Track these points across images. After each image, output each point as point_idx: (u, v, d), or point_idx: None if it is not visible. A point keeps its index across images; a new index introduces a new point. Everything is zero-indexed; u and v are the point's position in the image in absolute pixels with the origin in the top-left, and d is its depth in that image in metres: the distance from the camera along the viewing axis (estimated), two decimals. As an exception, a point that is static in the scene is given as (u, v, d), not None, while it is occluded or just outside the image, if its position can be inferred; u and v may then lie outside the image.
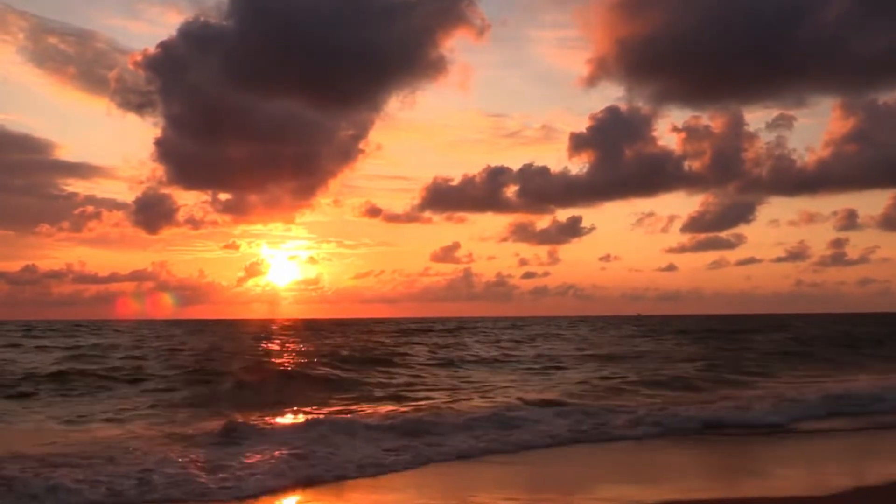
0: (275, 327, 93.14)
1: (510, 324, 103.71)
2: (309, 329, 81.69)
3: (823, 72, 75.53)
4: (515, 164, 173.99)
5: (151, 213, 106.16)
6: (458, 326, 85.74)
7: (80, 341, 47.13)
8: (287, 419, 15.66)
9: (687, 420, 15.87)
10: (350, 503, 9.93)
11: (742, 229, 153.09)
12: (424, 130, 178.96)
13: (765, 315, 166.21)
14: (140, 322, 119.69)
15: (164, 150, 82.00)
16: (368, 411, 16.50)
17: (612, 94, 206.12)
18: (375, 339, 52.43)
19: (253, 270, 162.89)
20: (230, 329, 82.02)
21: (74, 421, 15.70)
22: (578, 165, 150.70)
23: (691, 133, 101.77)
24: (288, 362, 29.66)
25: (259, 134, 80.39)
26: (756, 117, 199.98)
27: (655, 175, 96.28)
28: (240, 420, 14.08)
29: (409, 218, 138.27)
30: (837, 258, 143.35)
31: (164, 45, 74.87)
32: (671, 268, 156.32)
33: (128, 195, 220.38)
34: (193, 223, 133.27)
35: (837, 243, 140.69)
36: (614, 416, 15.90)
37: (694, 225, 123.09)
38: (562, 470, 12.03)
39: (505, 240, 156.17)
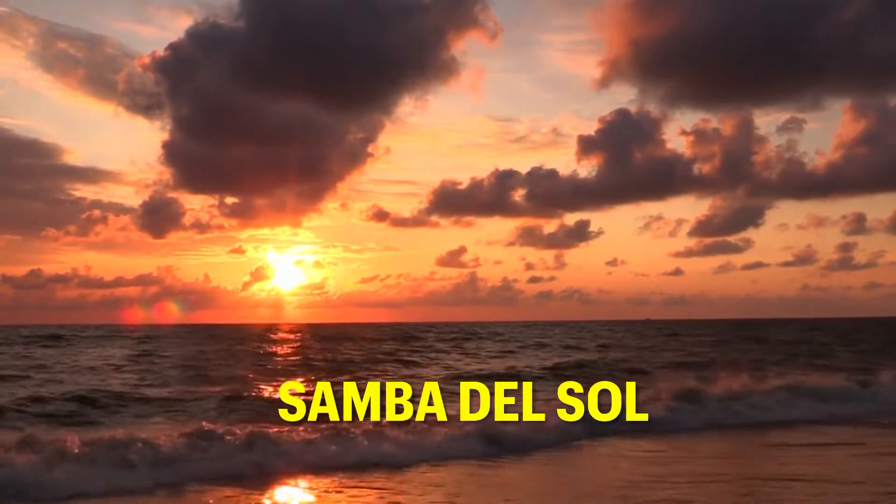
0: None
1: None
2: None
3: (836, 73, 75.33)
4: (524, 169, 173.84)
5: (158, 217, 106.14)
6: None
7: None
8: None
9: None
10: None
11: (750, 233, 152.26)
12: (433, 134, 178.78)
13: (770, 320, 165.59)
14: (150, 327, 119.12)
15: (172, 152, 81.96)
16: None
17: (621, 99, 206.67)
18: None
19: (259, 275, 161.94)
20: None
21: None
22: (587, 169, 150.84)
23: (701, 136, 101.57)
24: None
25: (267, 137, 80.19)
26: (767, 121, 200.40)
27: (665, 178, 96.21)
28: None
29: (416, 222, 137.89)
30: (845, 262, 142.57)
31: (172, 47, 74.73)
32: (678, 272, 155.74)
33: (134, 199, 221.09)
34: (200, 227, 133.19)
35: (845, 247, 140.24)
36: None
37: (702, 229, 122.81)
38: None
39: (512, 244, 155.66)
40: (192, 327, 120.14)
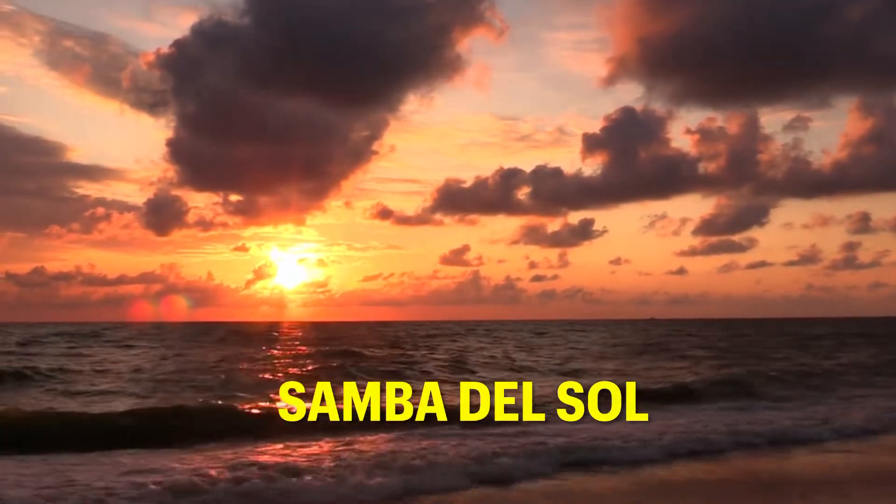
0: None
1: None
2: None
3: (843, 72, 75.30)
4: (528, 167, 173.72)
5: (162, 215, 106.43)
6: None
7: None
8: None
9: None
10: None
11: (755, 232, 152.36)
12: (437, 132, 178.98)
13: (773, 319, 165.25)
14: (154, 325, 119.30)
15: (176, 150, 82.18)
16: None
17: (626, 98, 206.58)
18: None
19: (262, 273, 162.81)
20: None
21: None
22: (592, 167, 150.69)
23: (706, 135, 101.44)
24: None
25: (272, 134, 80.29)
26: (773, 119, 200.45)
27: (669, 177, 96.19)
28: None
29: (420, 220, 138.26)
30: (849, 262, 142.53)
31: (177, 45, 75.01)
32: (681, 271, 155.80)
33: (138, 197, 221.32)
34: (203, 225, 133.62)
35: (850, 247, 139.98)
36: None
37: (706, 228, 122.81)
38: None
39: (516, 242, 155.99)
40: (201, 325, 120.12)
